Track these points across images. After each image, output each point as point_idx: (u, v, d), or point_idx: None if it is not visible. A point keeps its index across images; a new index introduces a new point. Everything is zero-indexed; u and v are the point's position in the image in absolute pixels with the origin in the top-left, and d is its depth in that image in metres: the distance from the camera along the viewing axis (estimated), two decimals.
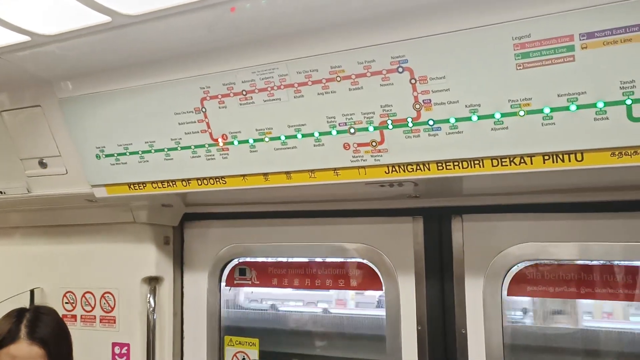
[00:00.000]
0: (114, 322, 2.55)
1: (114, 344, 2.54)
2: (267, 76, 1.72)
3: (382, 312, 2.27)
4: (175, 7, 1.51)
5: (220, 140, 1.89)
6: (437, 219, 2.17)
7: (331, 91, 1.66)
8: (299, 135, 1.76)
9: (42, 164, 2.28)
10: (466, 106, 1.53)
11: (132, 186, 2.13)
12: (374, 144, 1.68)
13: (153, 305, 2.49)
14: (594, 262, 2.00)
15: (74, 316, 2.64)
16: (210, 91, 1.82)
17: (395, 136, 1.64)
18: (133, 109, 1.96)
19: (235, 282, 2.63)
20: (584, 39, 1.36)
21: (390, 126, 1.64)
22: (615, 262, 1.98)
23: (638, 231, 1.88)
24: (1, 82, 2.08)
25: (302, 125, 1.75)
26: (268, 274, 2.56)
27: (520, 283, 2.07)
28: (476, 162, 1.58)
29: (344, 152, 1.72)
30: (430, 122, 1.58)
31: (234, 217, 2.56)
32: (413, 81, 1.56)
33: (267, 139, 1.81)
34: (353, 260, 2.38)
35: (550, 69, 1.41)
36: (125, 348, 2.52)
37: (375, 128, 1.66)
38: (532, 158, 1.51)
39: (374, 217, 2.27)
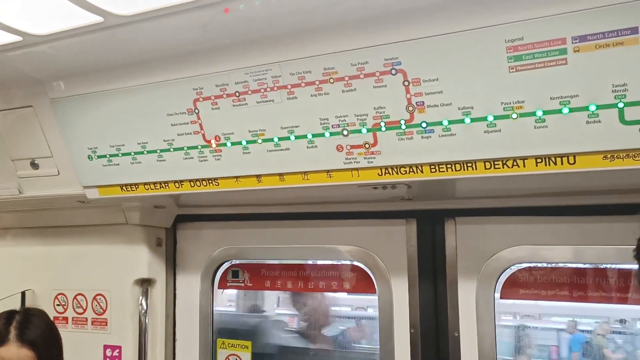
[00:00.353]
0: (106, 325, 2.54)
1: (105, 347, 2.52)
2: (260, 77, 1.71)
3: None
4: (168, 7, 1.50)
5: (213, 141, 1.88)
6: (430, 222, 2.17)
7: (324, 93, 1.66)
8: (292, 137, 1.76)
9: (34, 165, 2.27)
10: (459, 109, 1.53)
11: (124, 187, 2.12)
12: (367, 146, 1.68)
13: (145, 308, 2.47)
14: (587, 265, 2.00)
15: (66, 318, 2.62)
16: (203, 92, 1.81)
17: (388, 138, 1.64)
18: (125, 109, 1.95)
19: (228, 284, 2.62)
20: (576, 42, 1.36)
21: (383, 128, 1.64)
22: (608, 266, 1.98)
23: (630, 234, 1.87)
24: None
25: (295, 126, 1.74)
26: (261, 276, 2.55)
27: (513, 286, 2.07)
28: (469, 164, 1.58)
29: (337, 154, 1.72)
30: (424, 125, 1.58)
31: (227, 218, 2.55)
32: (406, 83, 1.56)
33: (260, 141, 1.81)
34: (346, 262, 2.38)
35: (542, 72, 1.41)
36: (117, 351, 2.50)
37: (368, 130, 1.66)
38: (525, 161, 1.52)
39: (367, 219, 2.27)
